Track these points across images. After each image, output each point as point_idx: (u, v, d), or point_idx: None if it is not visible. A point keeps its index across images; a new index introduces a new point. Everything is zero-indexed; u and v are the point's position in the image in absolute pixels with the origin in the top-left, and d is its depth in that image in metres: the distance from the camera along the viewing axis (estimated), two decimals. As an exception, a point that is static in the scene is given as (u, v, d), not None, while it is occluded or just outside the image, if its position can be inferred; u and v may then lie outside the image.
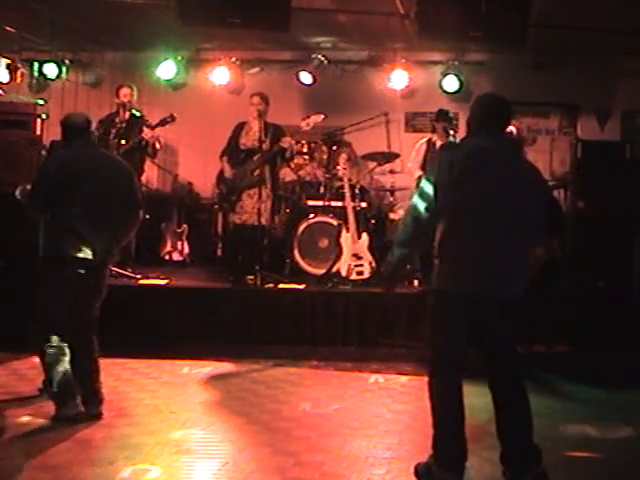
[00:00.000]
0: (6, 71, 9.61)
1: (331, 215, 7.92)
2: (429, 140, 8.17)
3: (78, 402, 4.72)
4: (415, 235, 3.86)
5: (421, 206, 3.77)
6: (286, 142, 7.64)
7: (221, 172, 7.85)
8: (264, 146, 7.57)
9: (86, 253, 4.73)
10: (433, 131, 8.24)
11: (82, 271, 4.74)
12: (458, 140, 7.88)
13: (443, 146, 4.25)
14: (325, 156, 8.66)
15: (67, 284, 4.74)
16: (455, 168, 3.72)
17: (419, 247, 3.86)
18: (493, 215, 3.72)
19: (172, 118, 7.68)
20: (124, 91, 7.90)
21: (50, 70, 9.88)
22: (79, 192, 4.75)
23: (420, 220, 3.80)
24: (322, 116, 7.74)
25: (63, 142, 5.10)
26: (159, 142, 7.80)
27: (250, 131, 7.74)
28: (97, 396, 4.85)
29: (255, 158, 7.61)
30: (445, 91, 9.47)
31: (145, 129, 7.62)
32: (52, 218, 4.81)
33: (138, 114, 7.96)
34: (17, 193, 5.12)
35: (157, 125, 7.72)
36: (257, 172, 7.56)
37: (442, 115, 8.16)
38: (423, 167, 8.05)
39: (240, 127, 7.81)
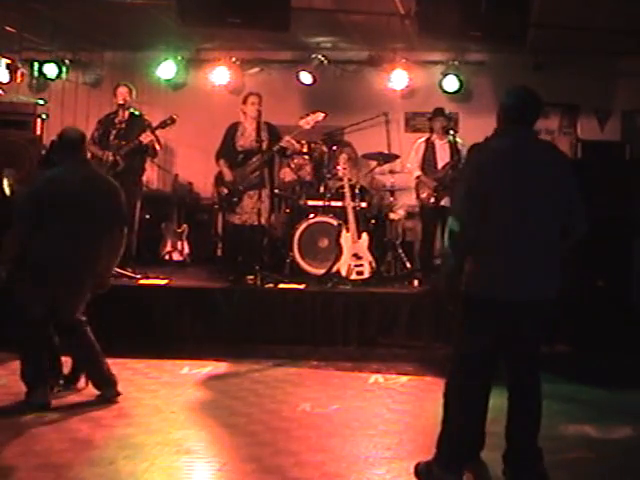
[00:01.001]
0: (6, 71, 9.61)
1: (331, 215, 7.92)
2: (427, 139, 8.19)
3: (47, 391, 5.04)
4: (456, 247, 3.81)
5: (455, 224, 3.73)
6: (286, 142, 7.63)
7: (220, 174, 7.81)
8: (263, 146, 7.54)
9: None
10: (431, 130, 8.25)
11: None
12: (460, 140, 7.93)
13: (471, 149, 4.21)
14: (325, 156, 8.66)
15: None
16: (482, 172, 3.70)
17: (462, 255, 3.80)
18: (523, 217, 3.67)
19: (172, 120, 7.67)
20: (121, 90, 7.89)
21: (50, 70, 9.90)
22: (61, 210, 5.01)
23: (457, 234, 3.74)
24: (322, 115, 7.72)
25: (57, 157, 5.31)
26: (158, 143, 7.79)
27: (245, 132, 7.70)
28: (110, 378, 5.18)
29: (254, 159, 7.60)
30: (445, 91, 9.48)
31: (144, 133, 7.60)
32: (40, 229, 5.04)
33: (137, 113, 7.96)
34: (6, 173, 5.26)
35: (157, 127, 7.71)
36: (258, 173, 7.56)
37: (438, 113, 8.20)
38: (422, 167, 8.08)
39: (234, 128, 7.74)
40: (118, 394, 5.19)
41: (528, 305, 3.72)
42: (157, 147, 7.80)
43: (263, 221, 7.54)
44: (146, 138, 7.57)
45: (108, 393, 5.18)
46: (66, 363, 5.42)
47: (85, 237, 5.09)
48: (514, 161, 3.73)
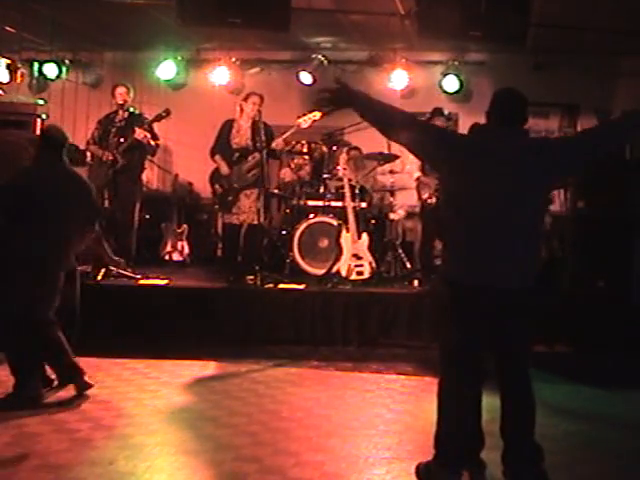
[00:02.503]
0: (6, 71, 9.62)
1: (331, 215, 7.92)
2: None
3: (39, 384, 5.11)
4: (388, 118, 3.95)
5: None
6: (278, 144, 7.64)
7: (216, 170, 7.77)
8: (259, 145, 7.51)
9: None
10: None
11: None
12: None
13: (471, 129, 4.27)
14: (325, 156, 8.66)
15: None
16: (459, 159, 3.71)
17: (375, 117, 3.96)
18: (499, 210, 3.66)
19: (167, 112, 7.66)
20: (120, 90, 7.91)
21: (50, 70, 9.91)
22: (41, 208, 5.07)
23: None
24: (319, 114, 7.71)
25: (39, 153, 5.34)
26: (154, 139, 7.79)
27: (241, 130, 7.66)
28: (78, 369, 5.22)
29: (250, 158, 7.56)
30: (445, 91, 9.48)
31: (137, 129, 7.61)
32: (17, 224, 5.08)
33: (136, 112, 7.97)
34: None
35: (152, 121, 7.72)
36: (254, 172, 7.54)
37: (437, 113, 8.18)
38: (422, 168, 8.05)
39: (229, 125, 7.69)
40: (89, 384, 5.23)
41: (504, 292, 3.70)
42: (152, 143, 7.79)
43: (262, 220, 7.54)
44: (140, 134, 7.58)
45: (81, 383, 5.21)
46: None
47: (63, 235, 5.17)
48: (485, 153, 3.72)
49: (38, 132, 5.30)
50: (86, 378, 5.25)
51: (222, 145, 7.69)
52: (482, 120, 3.94)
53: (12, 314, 5.03)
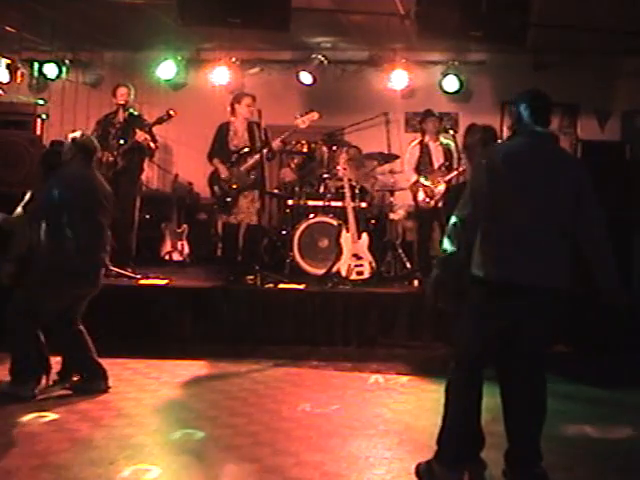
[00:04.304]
0: (6, 71, 9.62)
1: (331, 215, 7.92)
2: (421, 142, 8.10)
3: (35, 387, 5.15)
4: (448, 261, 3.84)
5: (449, 244, 3.79)
6: (277, 146, 7.63)
7: (215, 173, 7.74)
8: (258, 145, 7.50)
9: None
10: (423, 133, 8.15)
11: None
12: (452, 142, 7.91)
13: (468, 130, 4.28)
14: (325, 156, 8.66)
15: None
16: (494, 172, 3.71)
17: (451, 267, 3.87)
18: (534, 213, 3.71)
19: (169, 115, 7.64)
20: (121, 90, 7.89)
21: (50, 70, 9.91)
22: (88, 211, 5.20)
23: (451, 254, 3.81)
24: (317, 114, 7.69)
25: (76, 161, 5.31)
26: (153, 142, 7.78)
27: (238, 132, 7.62)
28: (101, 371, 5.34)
29: (249, 159, 7.54)
30: (445, 91, 9.48)
31: (138, 132, 7.59)
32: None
33: (136, 113, 7.96)
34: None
35: (154, 124, 7.71)
36: (253, 173, 7.52)
37: (428, 114, 8.14)
38: (417, 169, 8.02)
39: (225, 128, 7.64)
40: (108, 387, 5.31)
41: (537, 290, 3.72)
42: (152, 146, 7.79)
43: (261, 221, 7.53)
44: (140, 137, 7.57)
45: (100, 386, 5.29)
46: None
47: (104, 237, 5.30)
48: (526, 161, 3.75)
49: (70, 140, 5.31)
50: (110, 382, 5.35)
51: (219, 148, 7.65)
52: (482, 120, 3.96)
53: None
